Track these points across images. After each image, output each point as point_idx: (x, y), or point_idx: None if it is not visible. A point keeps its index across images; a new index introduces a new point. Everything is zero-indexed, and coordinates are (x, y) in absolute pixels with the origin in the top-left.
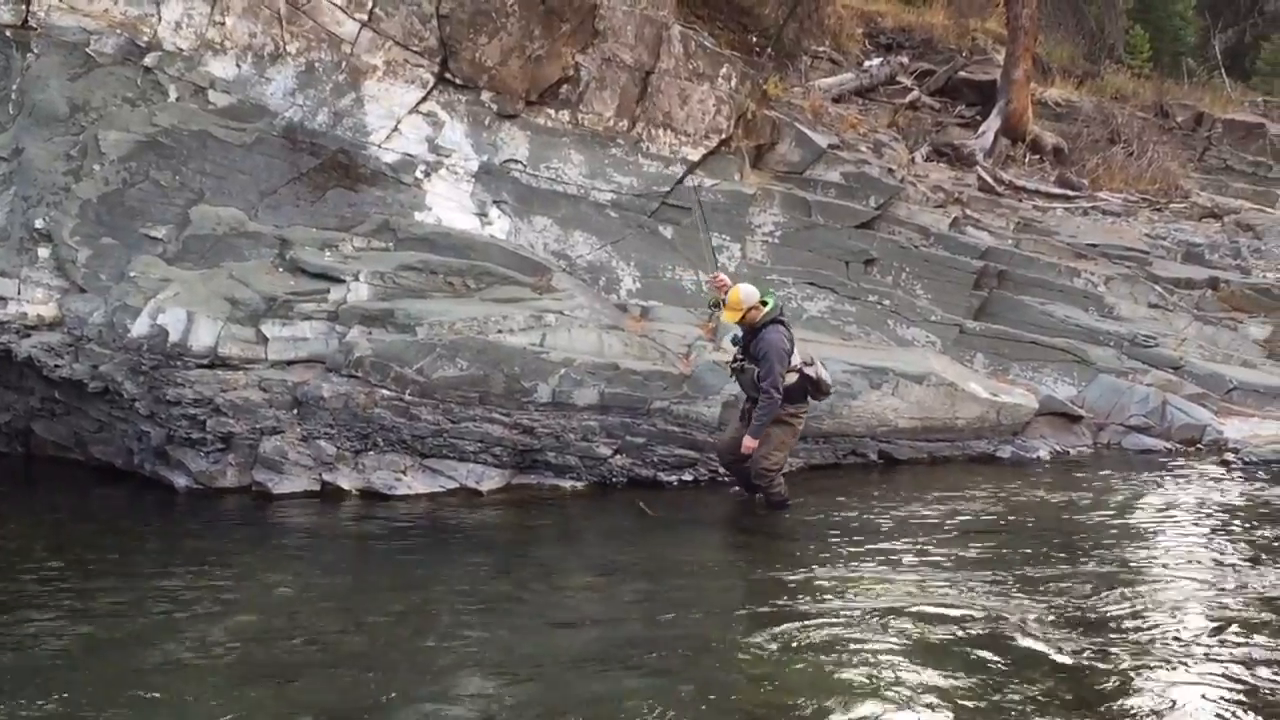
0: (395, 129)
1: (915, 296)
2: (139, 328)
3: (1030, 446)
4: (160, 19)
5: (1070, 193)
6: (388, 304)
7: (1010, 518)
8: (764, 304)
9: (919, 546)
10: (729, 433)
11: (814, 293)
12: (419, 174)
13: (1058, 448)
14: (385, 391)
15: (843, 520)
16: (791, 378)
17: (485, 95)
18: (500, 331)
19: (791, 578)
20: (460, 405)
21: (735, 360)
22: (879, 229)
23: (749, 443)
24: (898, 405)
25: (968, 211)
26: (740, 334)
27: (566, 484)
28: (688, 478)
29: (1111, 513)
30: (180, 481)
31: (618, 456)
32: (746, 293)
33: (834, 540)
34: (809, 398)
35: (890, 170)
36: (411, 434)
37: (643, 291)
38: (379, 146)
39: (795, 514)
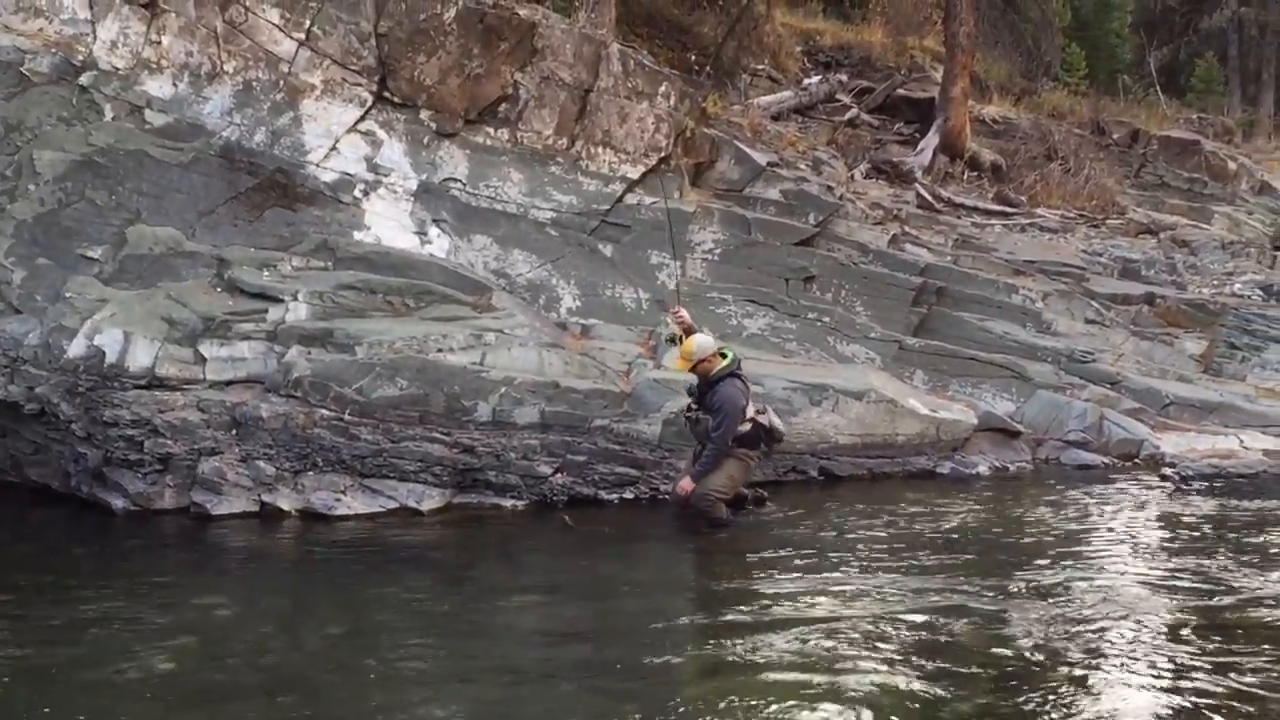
0: (334, 148)
1: (855, 313)
2: (75, 349)
3: (970, 462)
4: (96, 38)
5: (1008, 209)
6: (327, 323)
7: (951, 532)
8: (722, 356)
9: (861, 560)
10: (679, 477)
11: (754, 310)
12: (358, 193)
13: (997, 463)
14: (324, 411)
15: (784, 536)
16: (746, 426)
17: (424, 114)
18: (440, 350)
19: (731, 592)
20: (400, 425)
21: (690, 410)
22: (818, 246)
23: (685, 484)
24: (838, 422)
25: (906, 228)
26: (695, 384)
27: (507, 503)
28: (629, 496)
29: (1051, 526)
30: (118, 503)
31: (559, 475)
32: (701, 344)
33: (775, 556)
34: (762, 445)
35: (829, 188)
36: (351, 454)
37: (583, 310)
38: (317, 166)
39: (736, 531)
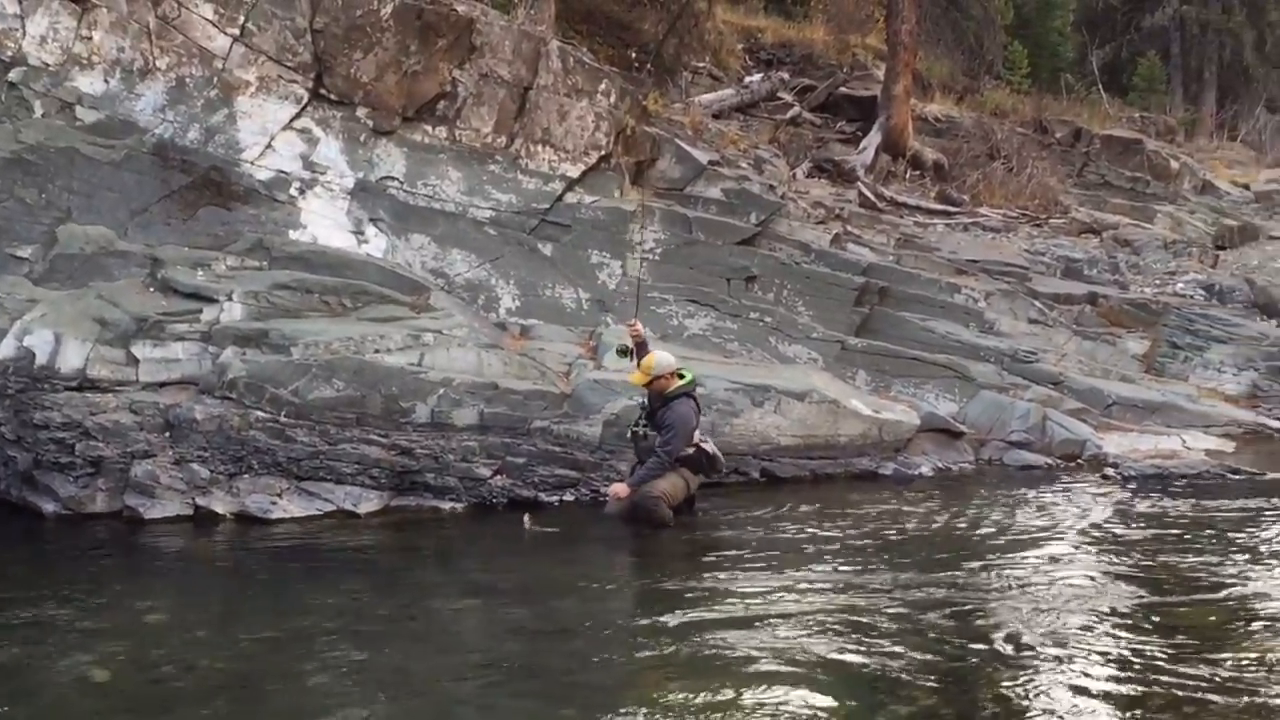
0: (269, 146)
1: (797, 313)
2: (4, 350)
3: (913, 463)
4: (25, 33)
5: (951, 209)
6: (262, 324)
7: (890, 532)
8: (680, 376)
9: (810, 559)
10: (613, 501)
11: (695, 310)
12: (293, 191)
13: (940, 464)
14: (260, 413)
15: (725, 537)
16: (689, 451)
17: (361, 111)
18: (377, 351)
19: (678, 592)
20: (337, 426)
21: (638, 424)
22: (760, 246)
23: (618, 487)
24: (780, 423)
25: (849, 228)
26: (645, 400)
27: (446, 506)
28: (569, 498)
29: (992, 526)
30: (48, 507)
31: (498, 477)
32: (662, 360)
33: (715, 557)
34: (703, 473)
35: (771, 187)
36: (287, 456)
37: (522, 310)
38: (252, 164)
39: (677, 531)
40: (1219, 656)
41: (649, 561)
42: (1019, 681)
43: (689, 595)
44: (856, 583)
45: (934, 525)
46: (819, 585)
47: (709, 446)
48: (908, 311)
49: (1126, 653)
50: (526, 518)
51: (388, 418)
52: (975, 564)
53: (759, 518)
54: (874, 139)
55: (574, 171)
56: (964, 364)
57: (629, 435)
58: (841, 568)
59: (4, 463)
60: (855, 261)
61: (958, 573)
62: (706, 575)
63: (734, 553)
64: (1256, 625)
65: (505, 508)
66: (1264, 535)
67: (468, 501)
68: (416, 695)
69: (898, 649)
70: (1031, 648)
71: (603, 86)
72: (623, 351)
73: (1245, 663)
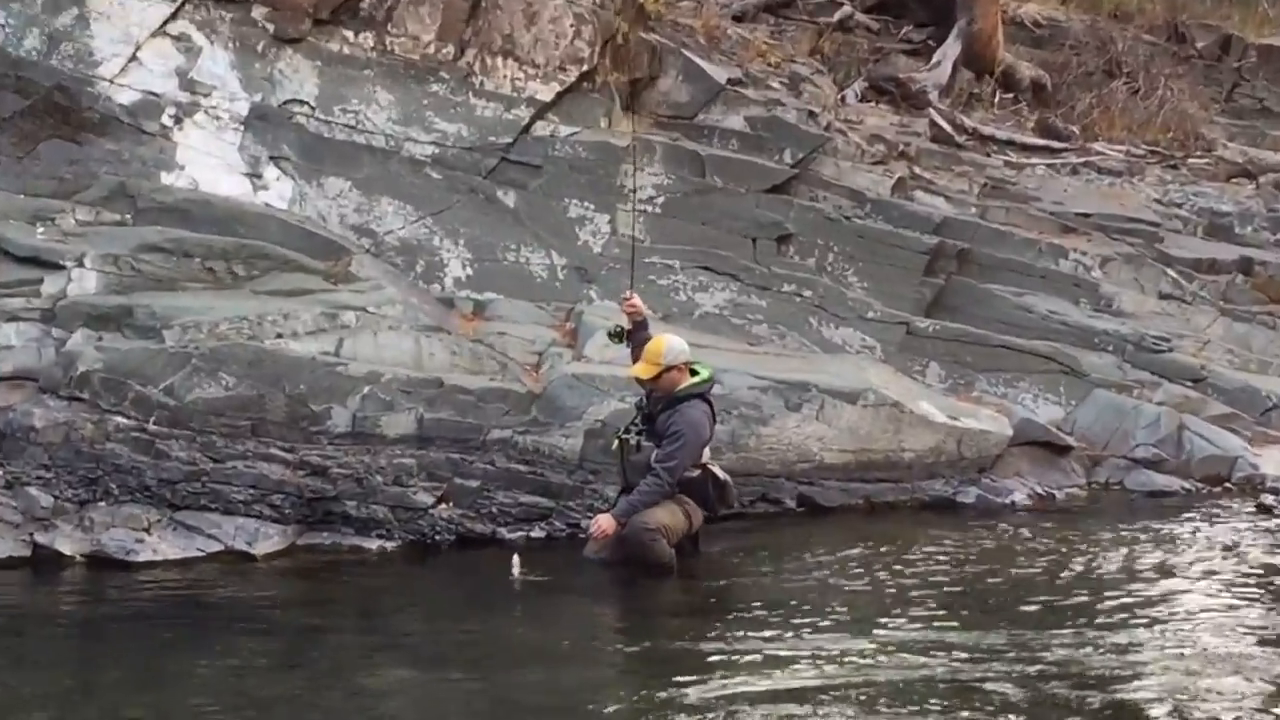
0: (133, 58)
1: (847, 286)
2: None
3: (1002, 488)
4: None
5: (1055, 144)
6: (124, 298)
7: (969, 583)
8: (694, 371)
9: (860, 615)
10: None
11: (709, 280)
12: (166, 120)
13: (1039, 489)
14: (121, 419)
15: (746, 588)
16: (693, 473)
17: (258, 12)
18: (280, 336)
19: (675, 659)
20: (225, 438)
21: (629, 431)
22: (797, 194)
23: (603, 521)
24: (823, 433)
25: (917, 170)
26: (644, 399)
27: (373, 544)
28: (539, 534)
29: (1115, 573)
30: None
31: (443, 506)
32: (674, 346)
33: (731, 616)
34: (708, 506)
35: (812, 114)
36: (158, 478)
37: (476, 280)
38: (111, 83)
39: (681, 580)
40: None
41: (640, 622)
42: None
43: (696, 664)
44: (939, 644)
45: (1034, 571)
46: (888, 647)
47: (718, 470)
48: (996, 283)
49: None
50: (516, 560)
51: (294, 425)
52: (1098, 621)
53: (793, 563)
54: (951, 50)
55: (546, 93)
56: (1072, 354)
57: (615, 446)
58: (914, 625)
59: None
60: (926, 216)
61: (1077, 633)
62: (731, 634)
63: (765, 605)
64: None
65: (452, 547)
66: None
67: (401, 539)
68: None
69: None
70: None
71: None
72: (616, 335)
73: None
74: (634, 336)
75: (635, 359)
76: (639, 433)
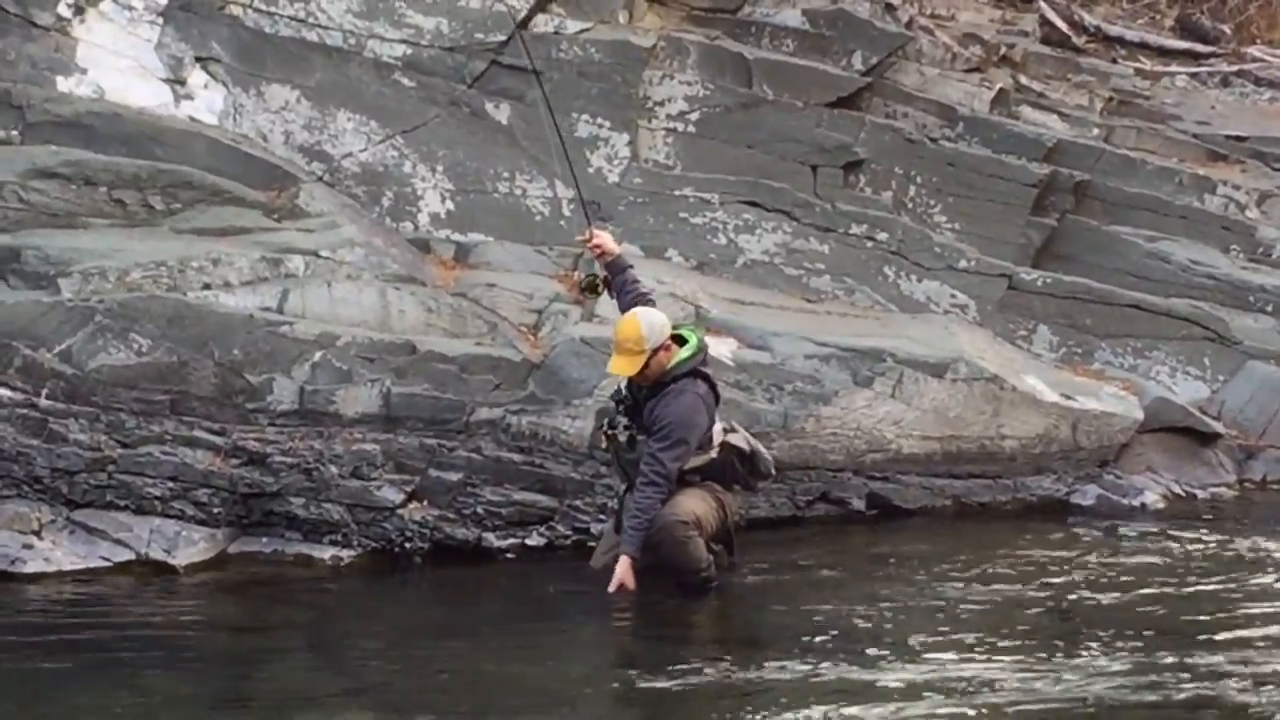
0: None
1: (932, 227)
2: None
3: (1129, 487)
4: None
5: (1200, 48)
6: (9, 238)
7: (1086, 608)
8: (679, 341)
9: (931, 658)
10: (603, 553)
11: (756, 219)
12: (63, 9)
13: (1177, 488)
14: (4, 392)
15: (802, 611)
16: (706, 456)
17: None
18: (208, 287)
19: (706, 712)
20: (137, 417)
21: (611, 424)
22: (869, 109)
23: (622, 571)
24: (901, 415)
25: (1024, 80)
26: (624, 385)
27: (325, 553)
28: (536, 541)
29: (1266, 599)
30: None
31: (414, 506)
32: (653, 323)
33: (779, 650)
34: (741, 484)
35: (890, 7)
36: (51, 467)
37: (459, 217)
38: None
39: (718, 601)
40: None
41: (680, 649)
42: None
43: (754, 707)
44: (1048, 689)
45: (1169, 592)
46: (1011, 671)
47: (739, 439)
48: (1124, 225)
49: None
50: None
51: (225, 402)
52: (1251, 653)
53: (864, 577)
54: None
55: None
56: (1220, 316)
57: (602, 441)
58: (1015, 664)
59: None
60: (1034, 138)
61: (1224, 667)
62: (778, 673)
63: (812, 640)
64: None
65: (426, 558)
66: None
67: (361, 546)
68: None
69: None
70: None
71: None
72: (589, 286)
73: None
74: (615, 283)
75: (624, 310)
76: (625, 421)
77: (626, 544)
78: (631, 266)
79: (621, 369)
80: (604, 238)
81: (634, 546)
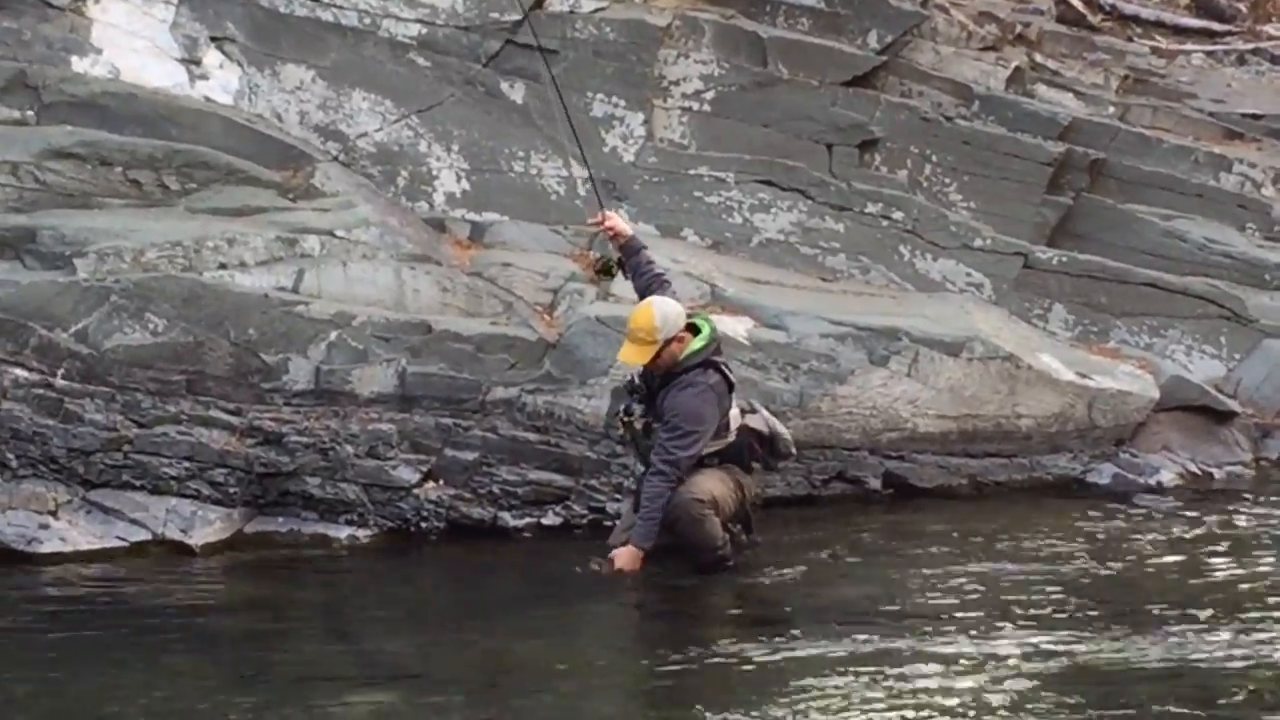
0: None
1: (948, 206)
2: None
3: (1146, 465)
4: None
5: (1216, 26)
6: (25, 218)
7: (1101, 587)
8: (693, 330)
9: (951, 638)
10: (621, 531)
11: (772, 198)
12: None
13: (1193, 466)
14: (21, 372)
15: (818, 590)
16: (724, 440)
17: None
18: (224, 267)
19: (722, 689)
20: (153, 396)
21: (627, 412)
22: (886, 88)
23: (625, 557)
24: (917, 394)
25: (1039, 58)
26: (636, 376)
27: (341, 532)
28: (552, 520)
29: None
30: None
31: (430, 485)
32: (667, 313)
33: (797, 629)
34: (761, 463)
35: None
36: (67, 447)
37: (474, 197)
38: None
39: (735, 578)
40: None
41: (699, 628)
42: None
43: (774, 685)
44: (1066, 667)
45: (1185, 573)
46: (1026, 646)
47: (758, 421)
48: (1139, 203)
49: None
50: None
51: (240, 382)
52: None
53: (881, 555)
54: None
55: None
56: (1236, 294)
57: (617, 430)
58: (1032, 644)
59: None
60: (1050, 117)
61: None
62: (793, 652)
63: (841, 614)
64: None
65: (441, 536)
66: None
67: (377, 526)
68: None
69: None
70: None
71: None
72: (605, 269)
73: None
74: (629, 264)
75: (641, 292)
76: (642, 415)
77: (637, 534)
78: (645, 248)
79: (632, 358)
80: (615, 219)
81: (643, 538)
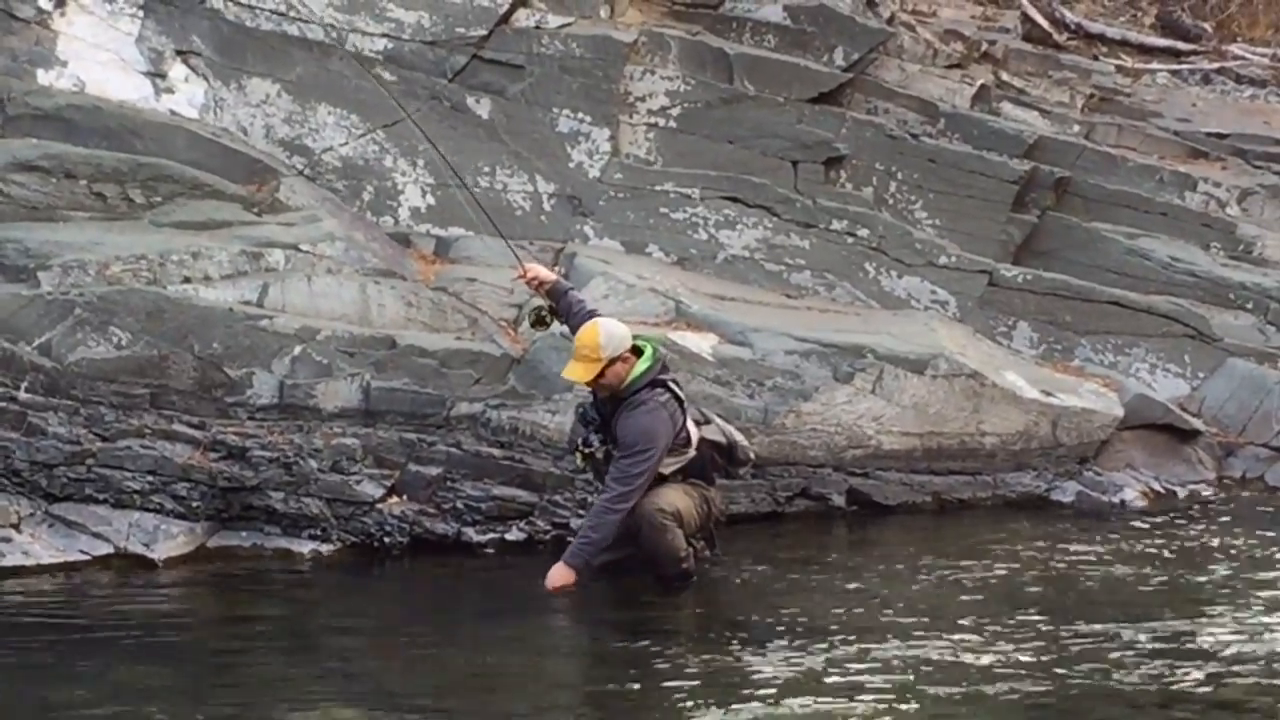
0: None
1: (913, 223)
2: None
3: (1109, 483)
4: None
5: (1181, 46)
6: None
7: (1064, 606)
8: (637, 352)
9: (909, 654)
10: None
11: (737, 215)
12: (44, 3)
13: (1157, 485)
14: None
15: (782, 605)
16: (685, 455)
17: None
18: (188, 280)
19: (682, 699)
20: (117, 410)
21: (587, 442)
22: (851, 105)
23: (560, 575)
24: (882, 411)
25: (1005, 76)
26: (590, 402)
27: (304, 547)
28: (516, 536)
29: (1245, 596)
30: None
31: (394, 500)
32: (612, 333)
33: (759, 641)
34: (722, 473)
35: (870, 2)
36: (30, 460)
37: (439, 211)
38: None
39: (698, 594)
40: None
41: (663, 641)
42: None
43: (732, 697)
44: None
45: (1149, 589)
46: (988, 660)
47: (714, 432)
48: (1104, 221)
49: None
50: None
51: (204, 396)
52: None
53: (845, 571)
54: None
55: None
56: (1200, 313)
57: (579, 462)
58: (999, 664)
59: None
60: (1015, 135)
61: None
62: (755, 664)
63: (801, 628)
64: None
65: (405, 551)
66: None
67: (341, 541)
68: None
69: None
70: None
71: None
72: (539, 319)
73: None
74: (560, 308)
75: (575, 329)
76: (602, 443)
77: (569, 552)
78: (572, 288)
79: (576, 374)
80: (536, 267)
81: (573, 555)
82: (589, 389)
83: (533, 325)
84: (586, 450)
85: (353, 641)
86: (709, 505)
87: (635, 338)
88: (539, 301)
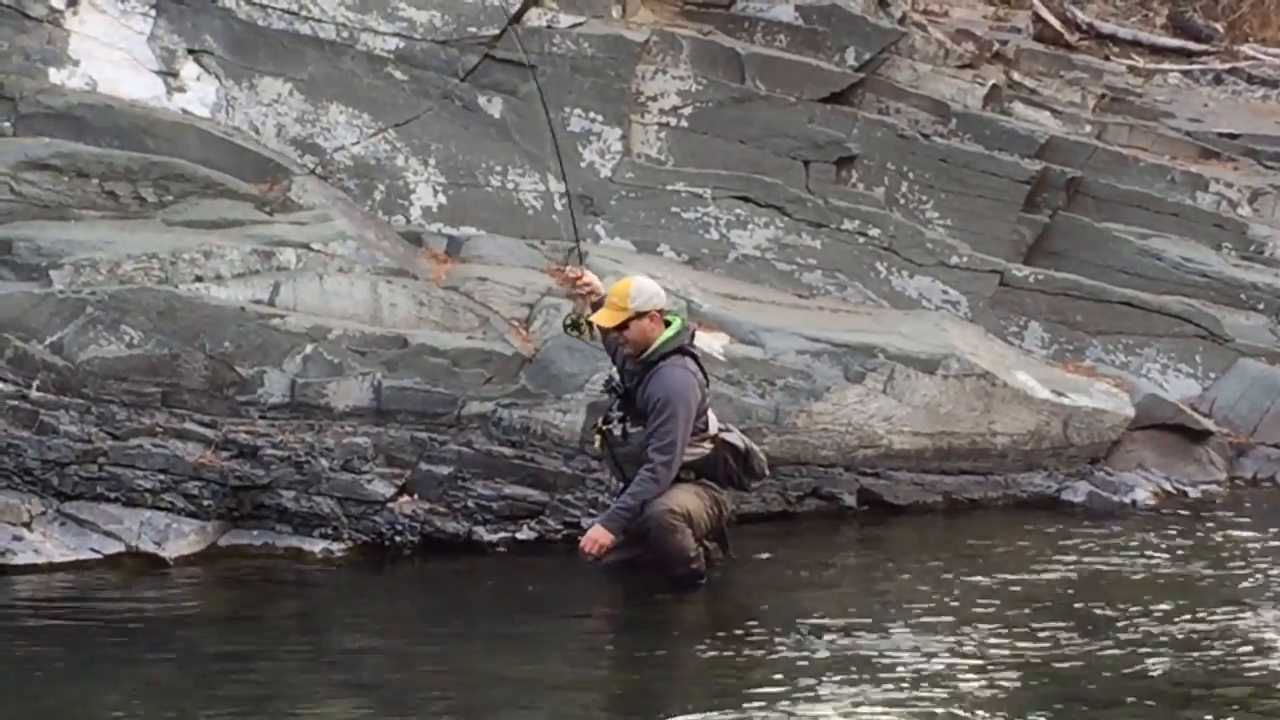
0: None
1: (924, 223)
2: None
3: (1120, 483)
4: None
5: (1193, 46)
6: (1, 229)
7: (1075, 606)
8: (665, 322)
9: (921, 656)
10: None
11: (749, 214)
12: (56, 2)
13: (1169, 485)
14: None
15: (793, 604)
16: (701, 450)
17: None
18: (200, 279)
19: (694, 702)
20: (128, 409)
21: (607, 418)
22: (862, 105)
23: (596, 535)
24: (892, 411)
25: (1016, 76)
26: (614, 374)
27: (315, 546)
28: (527, 535)
29: (1255, 598)
30: None
31: (405, 499)
32: (645, 288)
33: (772, 639)
34: (736, 483)
35: (882, 2)
36: (42, 459)
37: (451, 210)
38: None
39: (709, 594)
40: None
41: (673, 643)
42: None
43: (746, 700)
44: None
45: (1160, 590)
46: (999, 659)
47: (735, 437)
48: (1116, 222)
49: None
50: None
51: (216, 394)
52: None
53: (856, 573)
54: None
55: None
56: (1212, 313)
57: (596, 443)
58: (1010, 667)
59: None
60: (1027, 135)
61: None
62: (769, 666)
63: (801, 640)
64: None
65: (416, 551)
66: None
67: (352, 540)
68: None
69: None
70: None
71: None
72: (574, 325)
73: None
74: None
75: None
76: (620, 419)
77: (607, 515)
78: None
79: (602, 319)
80: (593, 277)
81: (611, 519)
82: (618, 361)
83: (567, 328)
84: (604, 427)
85: (364, 640)
86: (720, 507)
87: (670, 313)
88: (579, 309)
